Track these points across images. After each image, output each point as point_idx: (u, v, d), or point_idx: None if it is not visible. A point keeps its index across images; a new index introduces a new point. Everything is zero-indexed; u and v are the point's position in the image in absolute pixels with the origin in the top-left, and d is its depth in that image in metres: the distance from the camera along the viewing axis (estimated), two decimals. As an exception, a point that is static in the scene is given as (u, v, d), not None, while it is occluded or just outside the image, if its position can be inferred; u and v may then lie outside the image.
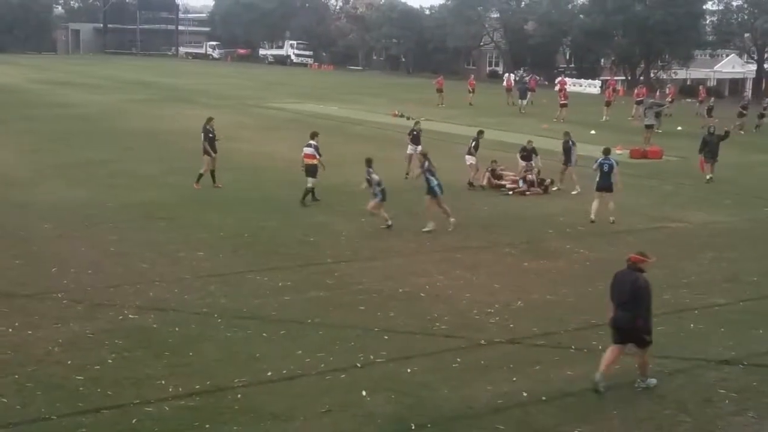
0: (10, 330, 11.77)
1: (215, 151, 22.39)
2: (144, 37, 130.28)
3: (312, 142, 21.09)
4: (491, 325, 12.74)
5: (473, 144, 24.19)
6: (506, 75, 74.94)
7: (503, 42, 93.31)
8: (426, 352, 11.52)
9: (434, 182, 18.67)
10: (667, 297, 14.40)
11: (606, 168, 20.08)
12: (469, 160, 24.20)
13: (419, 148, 24.64)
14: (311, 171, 20.89)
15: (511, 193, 23.36)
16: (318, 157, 20.90)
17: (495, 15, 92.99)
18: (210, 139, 22.39)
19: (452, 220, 18.72)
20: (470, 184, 24.03)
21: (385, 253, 16.76)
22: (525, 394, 10.26)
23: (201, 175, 22.31)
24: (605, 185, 20.10)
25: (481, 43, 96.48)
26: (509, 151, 26.89)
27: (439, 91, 53.08)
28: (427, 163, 18.93)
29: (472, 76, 62.39)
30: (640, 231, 19.56)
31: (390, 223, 18.58)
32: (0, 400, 9.63)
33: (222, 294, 13.70)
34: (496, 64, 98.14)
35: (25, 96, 49.08)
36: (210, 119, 23.17)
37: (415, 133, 24.83)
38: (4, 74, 67.19)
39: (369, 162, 18.81)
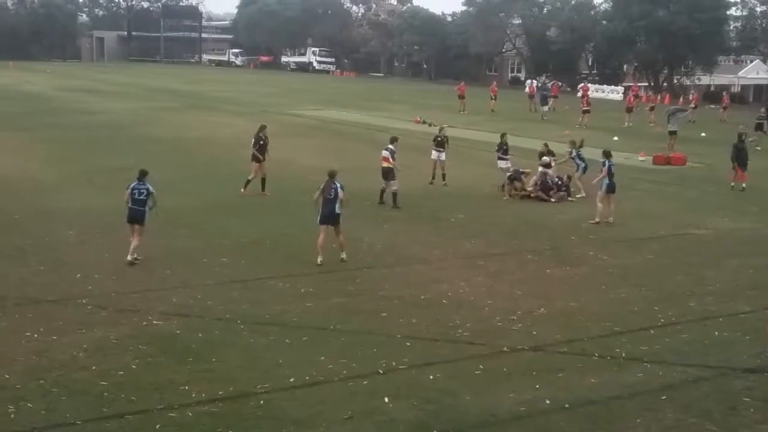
0: (36, 335, 11.86)
1: (263, 159, 22.73)
2: (168, 44, 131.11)
3: (390, 146, 21.60)
4: (514, 332, 12.70)
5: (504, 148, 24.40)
6: (528, 81, 74.83)
7: (525, 48, 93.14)
8: (448, 359, 11.50)
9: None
10: (692, 304, 14.34)
11: (613, 170, 20.51)
12: (501, 164, 24.36)
13: (444, 154, 24.70)
14: (386, 174, 21.31)
15: (554, 200, 23.11)
16: (392, 161, 21.33)
17: (517, 21, 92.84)
18: (261, 147, 22.74)
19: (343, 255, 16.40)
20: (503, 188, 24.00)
21: (406, 259, 16.75)
22: (548, 402, 10.22)
23: (249, 182, 22.64)
24: (614, 187, 20.44)
25: (503, 50, 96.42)
26: (531, 158, 26.80)
27: (461, 97, 53.00)
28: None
29: (495, 82, 62.26)
30: (664, 237, 19.44)
31: None
32: (25, 405, 9.70)
33: (244, 300, 13.75)
34: (518, 71, 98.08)
35: (50, 103, 49.47)
36: (263, 127, 23.54)
37: (439, 138, 24.90)
38: (30, 82, 67.83)
39: None
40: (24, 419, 9.39)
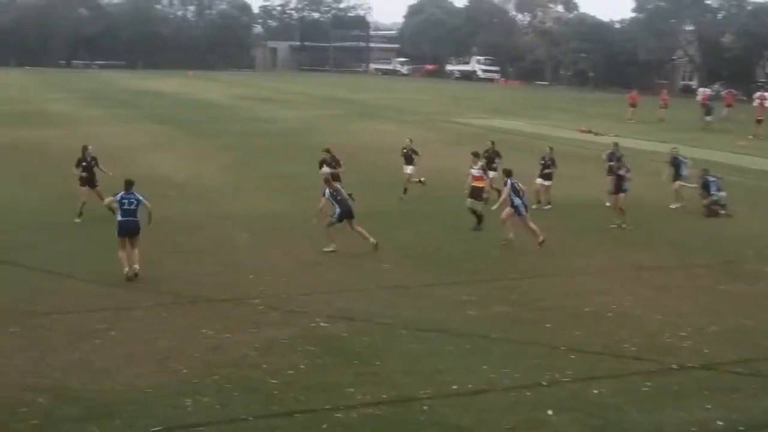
0: (211, 333, 12.47)
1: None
2: (337, 54, 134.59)
3: (480, 162, 20.37)
4: (683, 348, 12.27)
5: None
6: (701, 89, 71.97)
7: (697, 55, 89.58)
8: (614, 374, 11.26)
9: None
10: None
11: (517, 186, 18.34)
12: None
13: (491, 173, 22.42)
14: (480, 194, 19.86)
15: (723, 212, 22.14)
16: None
17: (689, 27, 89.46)
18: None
19: (372, 241, 17.33)
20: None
21: (568, 270, 16.51)
22: (720, 423, 9.82)
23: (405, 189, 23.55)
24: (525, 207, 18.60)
25: (674, 57, 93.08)
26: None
27: (633, 105, 51.53)
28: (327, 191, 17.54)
29: (665, 90, 60.24)
30: None
31: None
32: (201, 399, 10.21)
33: (406, 306, 13.93)
34: (690, 79, 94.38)
35: (226, 112, 51.77)
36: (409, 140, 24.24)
37: (487, 155, 22.60)
38: (208, 90, 71.24)
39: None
40: (200, 412, 9.88)
